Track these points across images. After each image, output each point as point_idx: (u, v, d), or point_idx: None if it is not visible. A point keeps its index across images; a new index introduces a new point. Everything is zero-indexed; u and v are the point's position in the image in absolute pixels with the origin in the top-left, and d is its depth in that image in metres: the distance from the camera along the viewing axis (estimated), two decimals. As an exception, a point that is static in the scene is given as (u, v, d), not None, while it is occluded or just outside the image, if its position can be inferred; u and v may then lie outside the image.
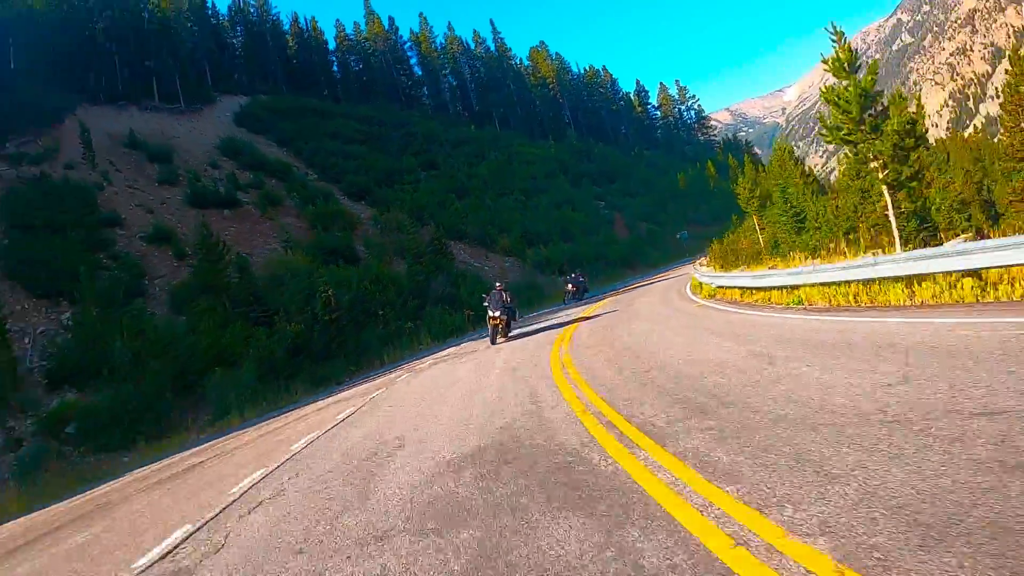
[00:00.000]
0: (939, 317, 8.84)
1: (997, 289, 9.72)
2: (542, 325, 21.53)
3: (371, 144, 78.66)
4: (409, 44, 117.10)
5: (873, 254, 15.28)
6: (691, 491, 4.41)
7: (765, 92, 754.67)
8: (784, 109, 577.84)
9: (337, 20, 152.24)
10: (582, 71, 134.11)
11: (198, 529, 7.10)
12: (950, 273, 10.59)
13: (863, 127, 19.06)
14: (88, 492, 15.72)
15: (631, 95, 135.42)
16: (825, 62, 19.48)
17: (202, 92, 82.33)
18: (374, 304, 37.57)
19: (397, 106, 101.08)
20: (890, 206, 19.90)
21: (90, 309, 32.17)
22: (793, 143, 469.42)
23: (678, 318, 17.03)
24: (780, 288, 16.75)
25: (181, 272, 41.20)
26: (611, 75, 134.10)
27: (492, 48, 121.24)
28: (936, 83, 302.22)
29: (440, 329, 36.31)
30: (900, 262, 11.63)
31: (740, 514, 3.87)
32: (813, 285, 14.75)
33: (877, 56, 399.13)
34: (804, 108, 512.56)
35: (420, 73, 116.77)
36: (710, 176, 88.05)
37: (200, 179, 57.12)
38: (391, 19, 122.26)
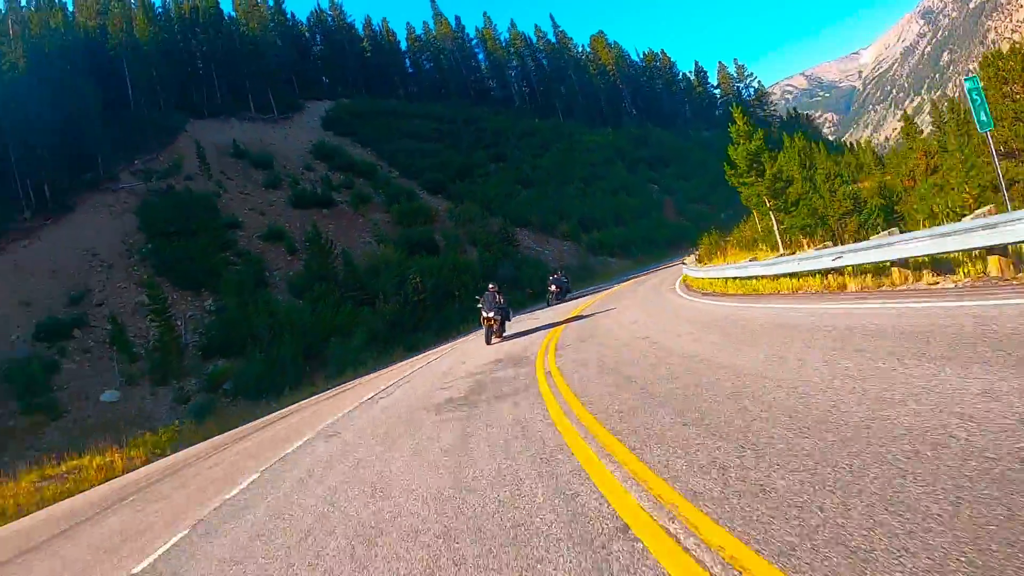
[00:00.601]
0: (792, 302, 13.04)
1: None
2: (533, 326, 22.64)
3: (445, 141, 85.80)
4: (475, 42, 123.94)
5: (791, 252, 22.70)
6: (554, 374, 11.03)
7: (840, 55, 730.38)
8: (860, 73, 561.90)
9: (408, 23, 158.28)
10: (641, 56, 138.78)
11: (327, 425, 13.12)
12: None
13: (750, 176, 32.97)
14: (245, 425, 22.87)
15: (690, 76, 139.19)
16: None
17: (291, 100, 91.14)
18: (452, 287, 44.78)
19: (467, 102, 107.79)
20: (774, 222, 33.65)
21: (229, 297, 40.30)
22: (871, 107, 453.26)
23: (645, 305, 22.14)
24: (734, 279, 20.10)
25: (294, 264, 49.32)
26: (669, 59, 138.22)
27: (553, 40, 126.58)
28: (1015, 41, 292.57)
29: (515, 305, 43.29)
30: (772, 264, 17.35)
31: (569, 398, 7.97)
32: (750, 278, 18.61)
33: (954, 14, 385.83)
34: (881, 71, 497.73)
35: (486, 68, 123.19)
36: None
37: (299, 182, 65.35)
38: (457, 18, 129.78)
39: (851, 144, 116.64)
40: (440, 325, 39.69)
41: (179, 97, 78.92)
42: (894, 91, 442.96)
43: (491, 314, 19.88)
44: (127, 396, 35.21)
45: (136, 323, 41.27)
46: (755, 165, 32.74)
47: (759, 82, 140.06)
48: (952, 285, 9.67)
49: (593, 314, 21.52)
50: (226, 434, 21.50)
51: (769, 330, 9.72)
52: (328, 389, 26.69)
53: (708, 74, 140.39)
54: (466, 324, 38.14)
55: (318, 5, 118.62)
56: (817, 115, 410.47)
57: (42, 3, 79.26)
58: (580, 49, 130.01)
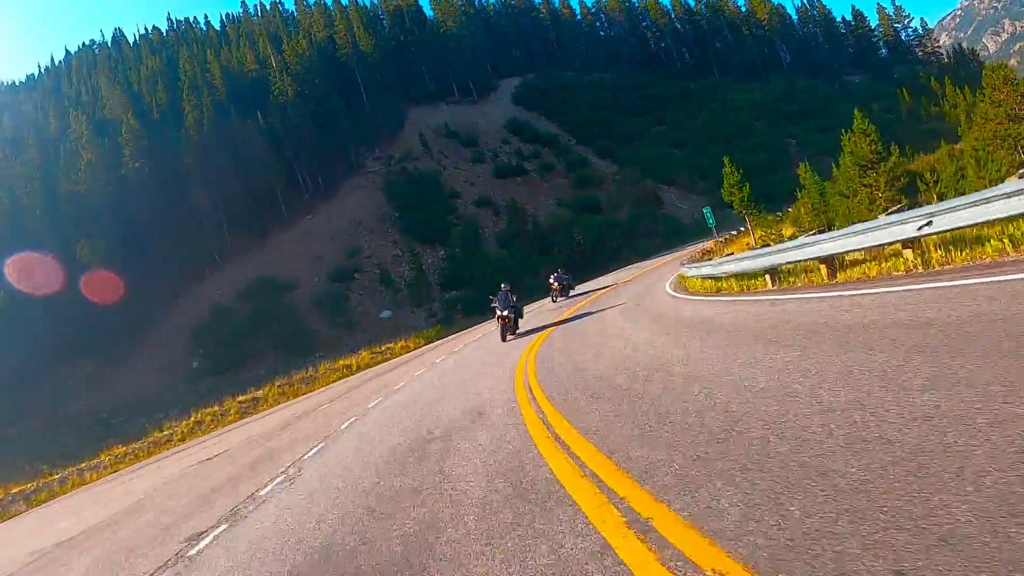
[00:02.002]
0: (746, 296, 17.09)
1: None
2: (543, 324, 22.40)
3: (615, 108, 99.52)
4: (640, 10, 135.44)
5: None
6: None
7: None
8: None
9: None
10: (795, 6, 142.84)
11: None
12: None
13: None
14: (465, 330, 40.16)
15: (849, 21, 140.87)
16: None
17: (486, 81, 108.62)
18: (606, 240, 61.08)
19: (634, 68, 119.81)
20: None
21: (455, 249, 58.86)
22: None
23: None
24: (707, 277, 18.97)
25: (499, 224, 67.21)
26: (825, 7, 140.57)
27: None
28: None
29: (639, 252, 58.67)
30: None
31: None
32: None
33: None
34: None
35: (652, 34, 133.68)
36: (903, 103, 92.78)
37: (498, 155, 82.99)
38: None
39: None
40: (596, 267, 55.67)
41: (398, 90, 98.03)
42: None
43: (505, 312, 20.53)
44: (396, 314, 54.39)
45: (394, 268, 60.57)
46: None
47: (924, 20, 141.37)
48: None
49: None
50: (458, 333, 39.16)
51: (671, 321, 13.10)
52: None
53: (868, 18, 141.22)
54: (616, 263, 53.93)
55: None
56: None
57: (291, 31, 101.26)
58: (735, 6, 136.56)
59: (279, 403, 37.44)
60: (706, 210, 34.41)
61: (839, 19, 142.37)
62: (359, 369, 38.57)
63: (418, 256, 59.40)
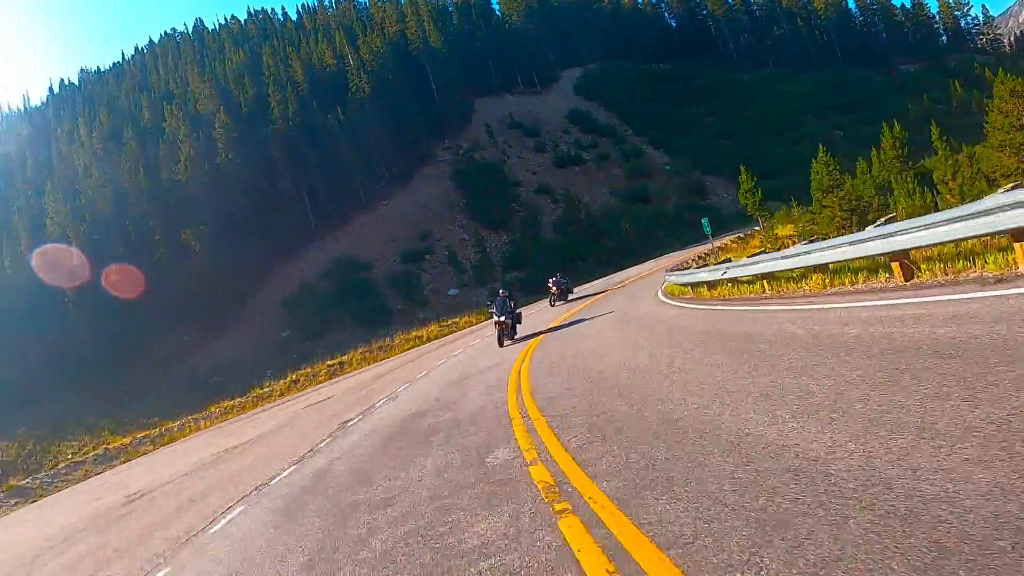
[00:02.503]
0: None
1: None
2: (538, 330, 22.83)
3: (670, 99, 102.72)
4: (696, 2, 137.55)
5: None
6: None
7: None
8: None
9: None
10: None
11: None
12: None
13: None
14: (528, 305, 45.88)
15: (908, 8, 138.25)
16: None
17: (550, 72, 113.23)
18: (653, 229, 65.93)
19: (691, 58, 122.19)
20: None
21: (516, 233, 64.51)
22: None
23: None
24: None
25: (556, 211, 72.53)
26: None
27: None
28: None
29: (683, 241, 63.27)
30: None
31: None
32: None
33: None
34: None
35: (711, 25, 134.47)
36: (955, 95, 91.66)
37: (559, 145, 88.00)
38: None
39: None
40: (643, 254, 60.53)
41: (465, 82, 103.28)
42: None
43: (503, 318, 20.79)
44: (462, 292, 60.40)
45: (461, 250, 66.54)
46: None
47: (985, 7, 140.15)
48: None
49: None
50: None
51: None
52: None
53: (928, 5, 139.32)
54: (659, 251, 58.96)
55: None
56: None
57: (365, 25, 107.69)
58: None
59: (361, 367, 44.08)
60: (704, 220, 37.39)
61: (899, 4, 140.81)
62: (428, 340, 44.93)
63: (482, 240, 65.45)
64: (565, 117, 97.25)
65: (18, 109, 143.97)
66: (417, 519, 5.36)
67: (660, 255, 57.21)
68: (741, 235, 52.35)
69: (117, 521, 12.50)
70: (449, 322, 49.41)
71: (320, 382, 44.08)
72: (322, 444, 11.93)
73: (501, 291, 23.57)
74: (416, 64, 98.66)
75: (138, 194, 73.99)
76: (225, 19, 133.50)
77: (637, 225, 66.24)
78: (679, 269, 26.67)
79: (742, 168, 45.83)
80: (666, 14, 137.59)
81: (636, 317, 17.69)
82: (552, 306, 32.66)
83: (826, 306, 9.13)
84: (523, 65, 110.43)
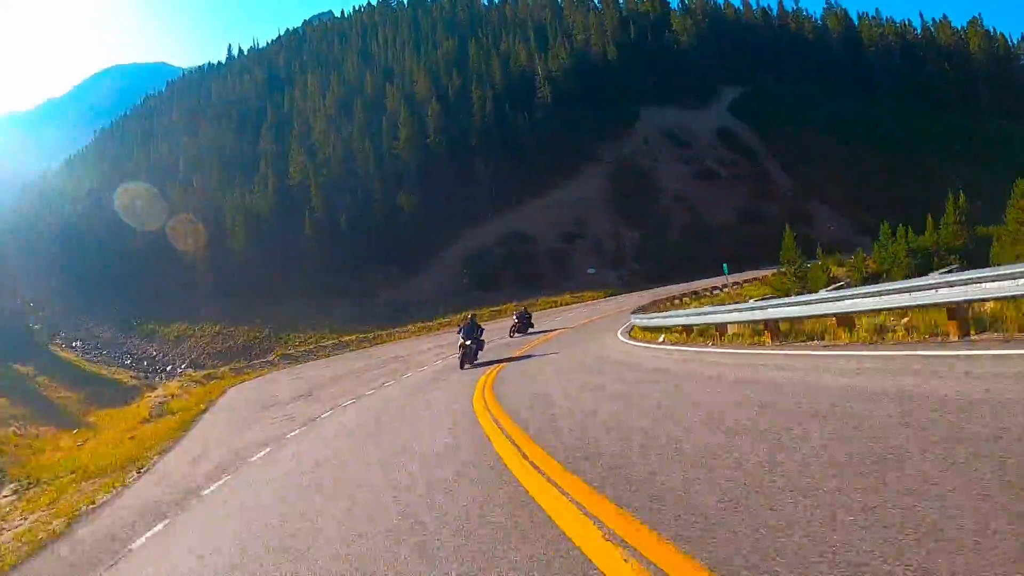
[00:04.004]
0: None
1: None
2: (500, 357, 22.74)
3: (811, 124, 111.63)
4: (856, 30, 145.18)
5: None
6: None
7: None
8: None
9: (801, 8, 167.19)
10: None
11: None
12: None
13: None
14: (637, 291, 62.95)
15: None
16: None
17: (709, 88, 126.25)
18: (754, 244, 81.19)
19: (843, 87, 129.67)
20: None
21: (649, 232, 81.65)
22: None
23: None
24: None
25: (684, 218, 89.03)
26: None
27: (929, 30, 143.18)
28: None
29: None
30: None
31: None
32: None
33: None
34: None
35: (871, 53, 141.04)
36: None
37: (703, 160, 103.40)
38: (844, 11, 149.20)
39: None
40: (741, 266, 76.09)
41: (633, 92, 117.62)
42: None
43: (468, 342, 21.13)
44: (599, 272, 78.60)
45: (605, 239, 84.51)
46: None
47: None
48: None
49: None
50: (632, 292, 62.25)
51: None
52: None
53: None
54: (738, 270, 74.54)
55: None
56: None
57: (555, 29, 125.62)
58: (953, 34, 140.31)
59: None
60: (724, 266, 49.95)
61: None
62: (557, 306, 63.11)
63: (620, 233, 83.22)
64: (715, 133, 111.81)
65: (245, 52, 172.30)
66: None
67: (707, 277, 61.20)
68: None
69: (360, 373, 29.19)
70: (580, 294, 68.16)
71: (486, 318, 63.65)
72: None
73: (469, 314, 26.08)
74: (593, 71, 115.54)
75: (363, 158, 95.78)
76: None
77: (736, 243, 79.68)
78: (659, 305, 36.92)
79: (786, 229, 50.73)
80: (825, 42, 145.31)
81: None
82: (511, 336, 34.29)
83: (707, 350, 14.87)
84: (686, 79, 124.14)
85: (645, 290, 61.09)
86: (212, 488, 10.04)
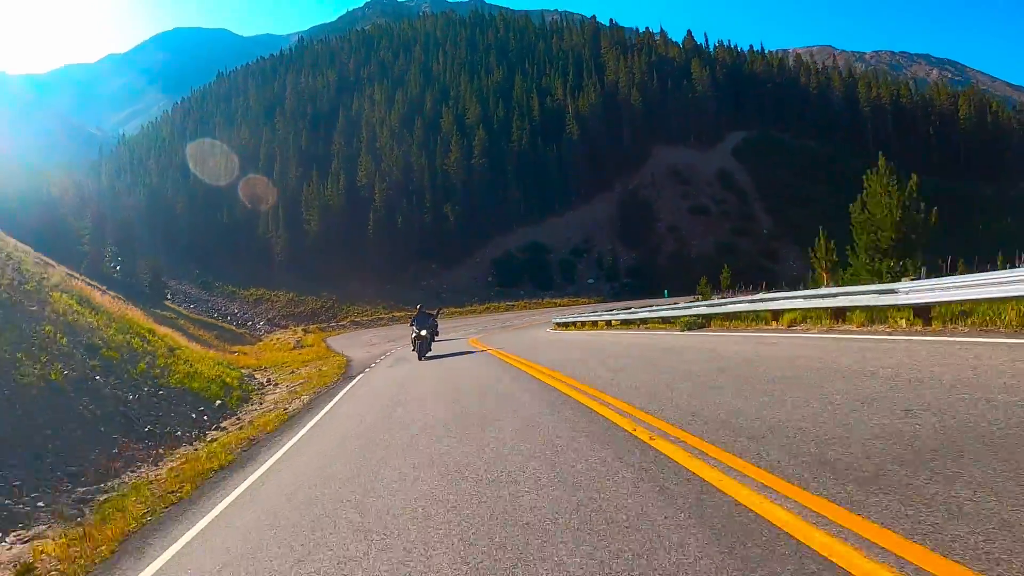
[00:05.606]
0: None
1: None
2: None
3: (802, 174, 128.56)
4: (852, 83, 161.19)
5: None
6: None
7: None
8: None
9: (808, 57, 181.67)
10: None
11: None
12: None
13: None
14: (624, 300, 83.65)
15: None
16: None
17: (717, 131, 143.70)
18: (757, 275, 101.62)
19: (838, 139, 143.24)
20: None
21: (642, 254, 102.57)
22: None
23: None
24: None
25: (671, 246, 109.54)
26: None
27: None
28: None
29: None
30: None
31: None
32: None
33: None
34: None
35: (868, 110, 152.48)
36: None
37: (699, 196, 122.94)
38: (849, 62, 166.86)
39: None
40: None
41: (648, 131, 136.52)
42: None
43: (424, 332, 21.91)
44: (597, 282, 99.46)
45: (604, 256, 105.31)
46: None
47: None
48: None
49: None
50: (620, 300, 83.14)
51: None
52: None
53: None
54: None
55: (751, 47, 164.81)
56: None
57: (590, 68, 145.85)
58: (950, 99, 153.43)
59: (526, 309, 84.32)
60: (665, 291, 69.17)
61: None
62: (556, 306, 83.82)
63: (618, 253, 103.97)
64: (715, 174, 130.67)
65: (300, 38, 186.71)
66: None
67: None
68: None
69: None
70: (576, 299, 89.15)
71: (501, 311, 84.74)
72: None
73: (419, 306, 25.51)
74: (616, 111, 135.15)
75: (419, 170, 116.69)
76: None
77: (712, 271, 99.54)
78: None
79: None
80: (827, 95, 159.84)
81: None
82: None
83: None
84: (698, 121, 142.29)
85: (616, 302, 79.04)
86: (382, 363, 27.23)
